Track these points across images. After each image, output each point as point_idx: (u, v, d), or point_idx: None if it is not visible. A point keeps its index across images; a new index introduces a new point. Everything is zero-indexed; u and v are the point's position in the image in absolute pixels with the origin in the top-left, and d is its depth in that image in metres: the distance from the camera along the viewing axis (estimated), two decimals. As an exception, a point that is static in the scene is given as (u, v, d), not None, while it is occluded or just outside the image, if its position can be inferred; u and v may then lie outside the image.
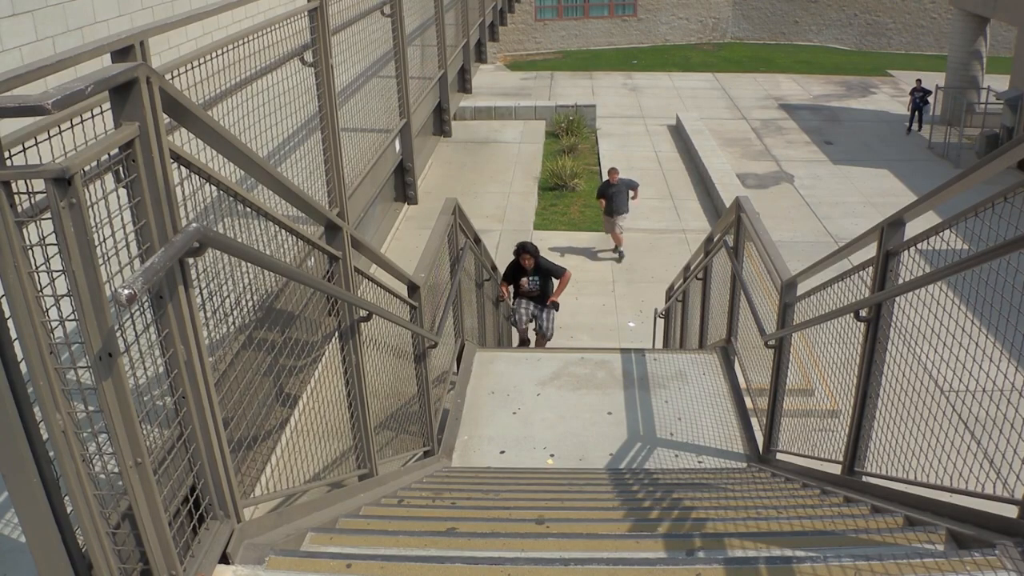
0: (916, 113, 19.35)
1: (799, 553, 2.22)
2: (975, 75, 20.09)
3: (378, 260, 4.01)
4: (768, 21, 30.94)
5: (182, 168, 2.11)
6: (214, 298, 2.47)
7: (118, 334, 1.70)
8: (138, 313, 1.88)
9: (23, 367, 1.65)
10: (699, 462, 4.95)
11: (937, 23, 29.14)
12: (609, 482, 4.28)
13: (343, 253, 3.27)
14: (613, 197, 12.65)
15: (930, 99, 19.28)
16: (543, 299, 8.89)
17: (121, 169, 1.78)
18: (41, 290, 1.61)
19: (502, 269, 9.08)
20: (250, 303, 2.89)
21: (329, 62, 5.11)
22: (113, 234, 1.78)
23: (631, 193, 12.86)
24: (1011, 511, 2.23)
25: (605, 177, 13.24)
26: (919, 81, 19.63)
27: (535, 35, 30.12)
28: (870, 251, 3.25)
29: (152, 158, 1.81)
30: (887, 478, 3.16)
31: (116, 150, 1.75)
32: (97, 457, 1.77)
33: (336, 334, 3.37)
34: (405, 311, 4.57)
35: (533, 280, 8.77)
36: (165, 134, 1.87)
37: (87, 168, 1.62)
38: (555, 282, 8.92)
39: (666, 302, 9.82)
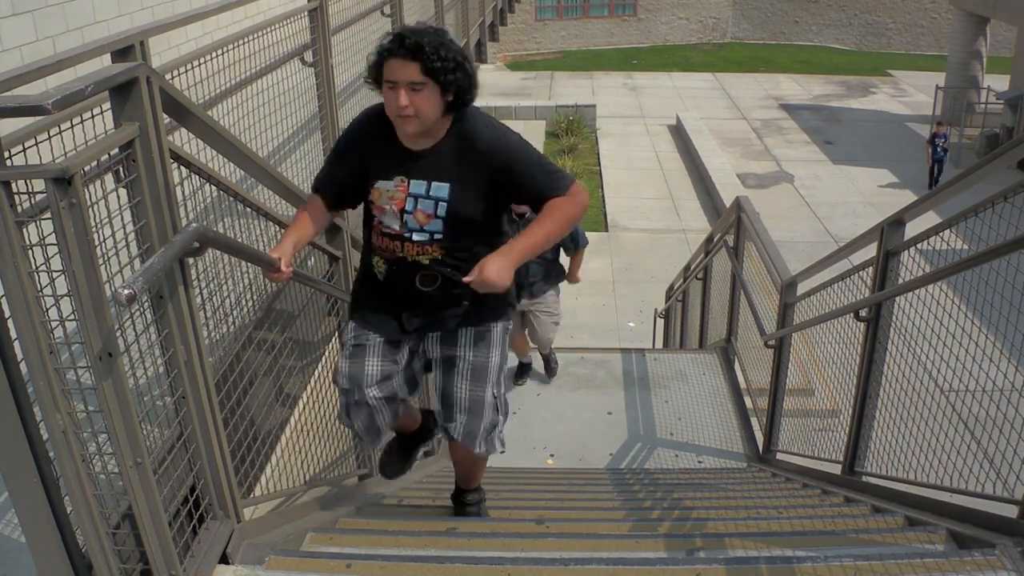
0: (936, 166, 15.70)
1: (799, 553, 2.22)
2: (975, 75, 20.07)
3: (378, 260, 4.00)
4: (768, 21, 30.94)
5: (182, 168, 2.11)
6: (214, 298, 2.47)
7: (118, 334, 1.70)
8: (138, 313, 1.88)
9: (23, 367, 1.65)
10: (699, 462, 4.95)
11: (937, 23, 29.13)
12: (609, 482, 4.28)
13: (343, 253, 3.27)
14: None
15: (950, 148, 15.92)
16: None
17: (121, 169, 1.78)
18: (41, 290, 1.61)
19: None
20: (250, 303, 2.89)
21: (329, 62, 5.10)
22: (113, 234, 1.77)
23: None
24: (1011, 511, 2.23)
25: None
26: (939, 124, 16.06)
27: (535, 35, 30.11)
28: (870, 251, 3.25)
29: (152, 158, 1.81)
30: (887, 478, 3.17)
31: (116, 150, 1.75)
32: (97, 457, 1.77)
33: (336, 334, 3.37)
34: (405, 311, 4.55)
35: (429, 202, 2.22)
36: (165, 134, 1.87)
37: (87, 168, 1.62)
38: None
39: (666, 302, 9.82)
